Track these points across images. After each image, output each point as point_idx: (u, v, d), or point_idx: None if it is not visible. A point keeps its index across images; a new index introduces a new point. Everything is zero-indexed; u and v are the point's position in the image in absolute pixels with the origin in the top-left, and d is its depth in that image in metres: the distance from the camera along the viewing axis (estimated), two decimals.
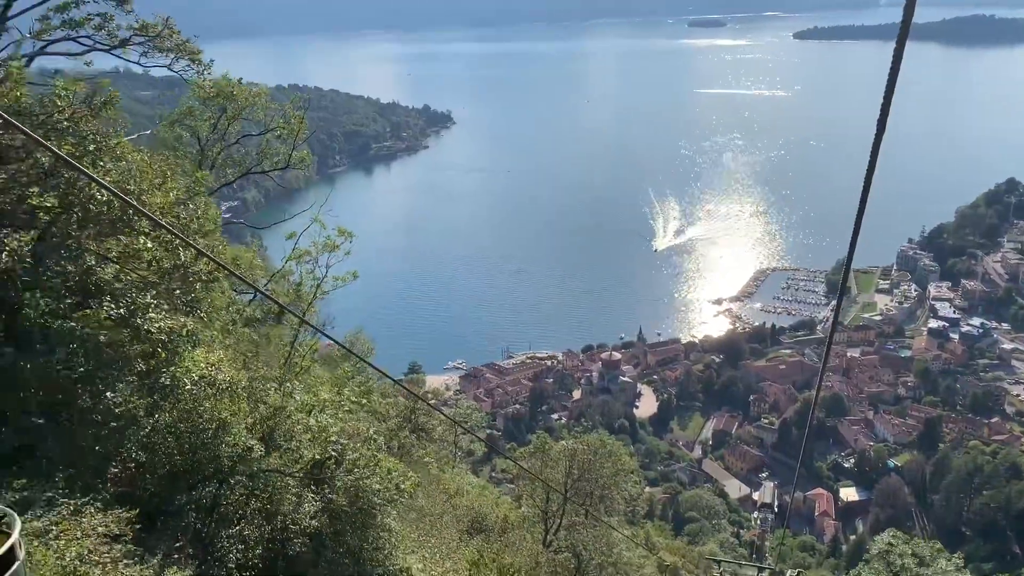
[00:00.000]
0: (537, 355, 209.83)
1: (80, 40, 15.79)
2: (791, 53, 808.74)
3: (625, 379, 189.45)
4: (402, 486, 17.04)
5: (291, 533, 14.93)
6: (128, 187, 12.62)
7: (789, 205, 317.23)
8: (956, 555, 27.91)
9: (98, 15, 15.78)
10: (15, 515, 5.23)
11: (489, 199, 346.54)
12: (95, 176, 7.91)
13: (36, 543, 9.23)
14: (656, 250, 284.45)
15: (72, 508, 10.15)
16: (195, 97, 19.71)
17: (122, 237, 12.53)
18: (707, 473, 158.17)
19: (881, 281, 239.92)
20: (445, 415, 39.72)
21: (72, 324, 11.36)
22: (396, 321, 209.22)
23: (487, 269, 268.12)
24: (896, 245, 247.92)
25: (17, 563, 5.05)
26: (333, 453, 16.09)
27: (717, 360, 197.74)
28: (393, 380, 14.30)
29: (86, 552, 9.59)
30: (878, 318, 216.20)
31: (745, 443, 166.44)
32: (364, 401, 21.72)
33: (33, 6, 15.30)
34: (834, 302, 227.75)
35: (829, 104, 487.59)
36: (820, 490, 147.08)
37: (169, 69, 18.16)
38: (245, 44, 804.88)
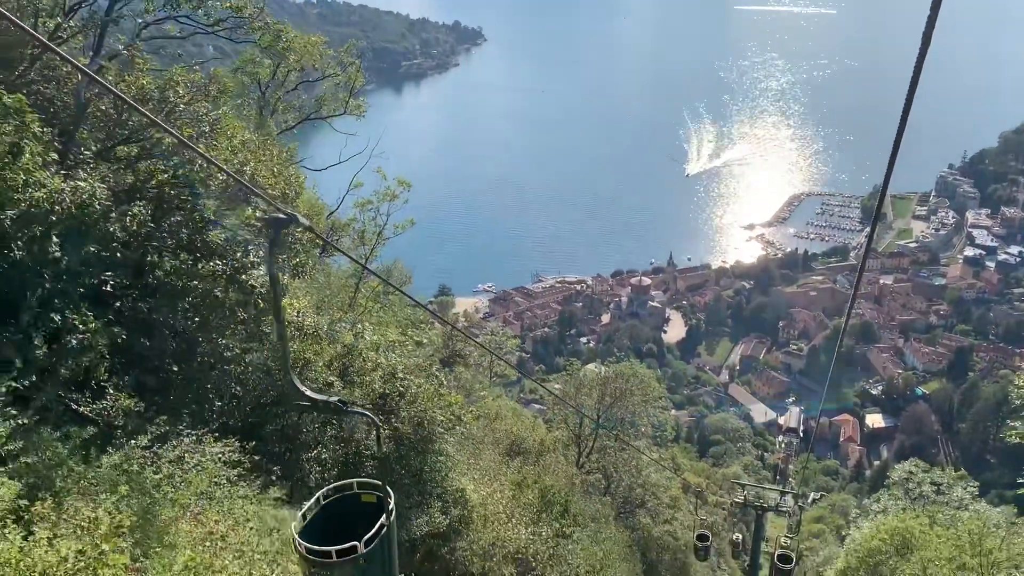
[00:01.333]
0: (566, 279, 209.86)
1: (179, 19, 17.28)
2: None
3: (654, 304, 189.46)
4: (463, 417, 18.85)
5: (363, 457, 16.54)
6: (244, 167, 14.74)
7: (827, 128, 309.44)
8: (972, 484, 27.85)
9: None
10: (390, 491, 7.94)
11: (520, 120, 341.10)
12: (211, 157, 10.59)
13: (176, 469, 10.73)
14: (688, 175, 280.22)
15: (195, 438, 11.63)
16: (256, 46, 20.29)
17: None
18: (733, 397, 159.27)
19: (918, 207, 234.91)
20: (483, 346, 40.21)
21: (194, 281, 13.11)
22: (426, 243, 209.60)
23: (518, 192, 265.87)
24: (936, 170, 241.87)
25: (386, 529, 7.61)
26: (400, 388, 17.50)
27: (747, 286, 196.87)
28: (435, 315, 15.23)
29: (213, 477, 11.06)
30: (913, 245, 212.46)
31: (772, 369, 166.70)
32: (424, 340, 23.50)
33: None
34: (869, 228, 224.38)
35: (874, 22, 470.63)
36: (846, 416, 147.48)
37: (256, 43, 19.58)
38: None
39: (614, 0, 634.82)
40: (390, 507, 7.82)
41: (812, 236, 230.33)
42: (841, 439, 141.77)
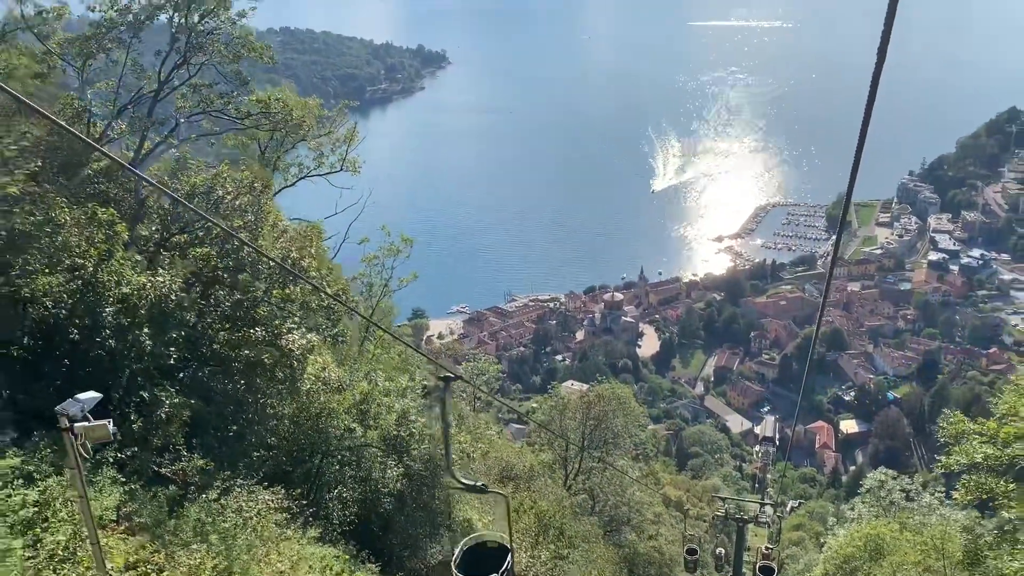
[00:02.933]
0: (539, 297, 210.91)
1: (212, 114, 19.18)
2: None
3: (627, 319, 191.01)
4: (472, 454, 20.82)
5: (380, 494, 17.80)
6: (291, 253, 16.14)
7: (789, 139, 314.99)
8: (939, 489, 29.31)
9: (222, 95, 19.29)
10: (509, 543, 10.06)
11: (486, 141, 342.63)
12: (258, 248, 12.75)
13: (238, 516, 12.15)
14: (654, 191, 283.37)
15: (248, 489, 13.06)
16: (255, 108, 21.34)
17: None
18: (709, 409, 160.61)
19: (881, 214, 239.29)
20: (473, 385, 41.41)
21: (246, 352, 14.60)
22: (398, 265, 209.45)
23: (486, 212, 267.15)
24: (896, 177, 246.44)
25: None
26: (413, 430, 18.97)
27: (718, 297, 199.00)
28: (427, 357, 16.22)
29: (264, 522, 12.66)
30: (878, 252, 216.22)
31: (746, 379, 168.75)
32: (429, 384, 24.15)
33: (176, 87, 18.57)
34: (834, 236, 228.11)
35: (831, 35, 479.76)
36: (821, 423, 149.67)
37: (274, 132, 21.44)
38: None
39: (574, 19, 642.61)
40: (510, 554, 10.15)
41: (779, 246, 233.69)
42: (817, 446, 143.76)
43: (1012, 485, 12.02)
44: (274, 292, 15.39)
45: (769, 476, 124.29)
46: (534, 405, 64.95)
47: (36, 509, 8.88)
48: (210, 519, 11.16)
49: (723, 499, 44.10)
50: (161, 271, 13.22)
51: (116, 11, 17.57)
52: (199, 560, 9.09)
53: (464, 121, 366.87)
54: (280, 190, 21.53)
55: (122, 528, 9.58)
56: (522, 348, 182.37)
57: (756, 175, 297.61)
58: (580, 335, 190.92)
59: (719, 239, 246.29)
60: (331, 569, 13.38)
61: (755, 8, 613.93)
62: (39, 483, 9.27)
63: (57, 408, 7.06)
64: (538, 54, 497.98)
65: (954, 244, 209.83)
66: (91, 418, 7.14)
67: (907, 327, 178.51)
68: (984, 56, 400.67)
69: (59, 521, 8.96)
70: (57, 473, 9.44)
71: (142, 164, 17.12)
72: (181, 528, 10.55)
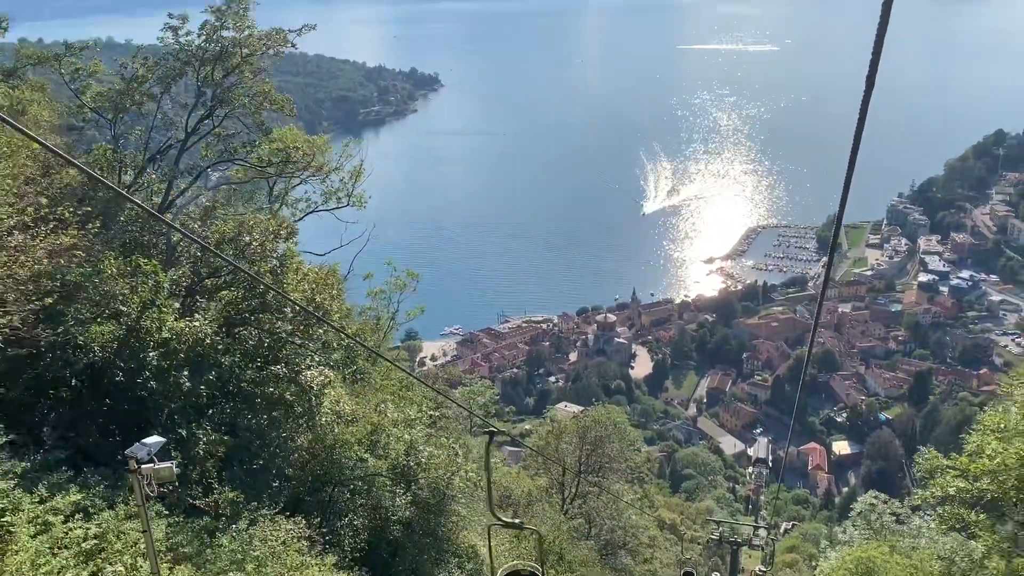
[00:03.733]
0: (532, 319, 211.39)
1: (235, 162, 20.39)
2: (781, 6, 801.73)
3: (620, 340, 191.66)
4: (480, 484, 20.93)
5: (390, 521, 18.54)
6: (315, 297, 17.03)
7: (779, 162, 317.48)
8: (928, 513, 29.88)
9: (244, 144, 20.41)
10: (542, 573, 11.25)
11: (478, 163, 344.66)
12: (283, 292, 13.77)
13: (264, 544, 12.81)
14: (644, 214, 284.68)
15: (270, 518, 13.68)
16: (276, 156, 22.22)
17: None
18: (702, 430, 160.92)
19: (872, 236, 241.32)
20: (471, 411, 41.76)
21: (269, 388, 15.50)
22: (386, 285, 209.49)
23: (479, 234, 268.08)
24: (886, 199, 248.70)
25: None
26: (420, 459, 19.66)
27: (710, 319, 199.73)
28: (426, 384, 16.65)
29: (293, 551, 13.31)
30: (869, 273, 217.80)
31: (739, 400, 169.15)
32: (436, 414, 25.76)
33: (202, 136, 19.66)
34: (825, 258, 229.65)
35: (820, 58, 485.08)
36: (813, 444, 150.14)
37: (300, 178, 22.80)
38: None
39: (566, 43, 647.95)
40: None
41: (770, 268, 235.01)
42: (809, 467, 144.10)
43: (983, 516, 12.87)
44: (298, 334, 16.10)
45: (762, 498, 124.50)
46: (528, 427, 65.43)
47: (95, 541, 9.50)
48: (242, 548, 11.80)
49: (717, 522, 44.70)
50: (196, 316, 13.96)
51: (147, 68, 18.68)
52: None
53: (457, 143, 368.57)
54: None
55: (168, 557, 10.18)
56: (515, 370, 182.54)
57: (747, 197, 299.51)
58: (573, 356, 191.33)
59: (710, 260, 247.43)
60: None
61: (744, 32, 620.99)
62: (95, 516, 9.91)
63: (127, 451, 7.69)
64: (530, 77, 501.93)
65: (944, 265, 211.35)
66: (156, 460, 7.74)
67: (898, 348, 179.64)
68: (971, 79, 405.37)
69: (115, 552, 9.60)
70: (109, 507, 10.11)
71: (169, 209, 17.98)
72: (219, 557, 11.25)
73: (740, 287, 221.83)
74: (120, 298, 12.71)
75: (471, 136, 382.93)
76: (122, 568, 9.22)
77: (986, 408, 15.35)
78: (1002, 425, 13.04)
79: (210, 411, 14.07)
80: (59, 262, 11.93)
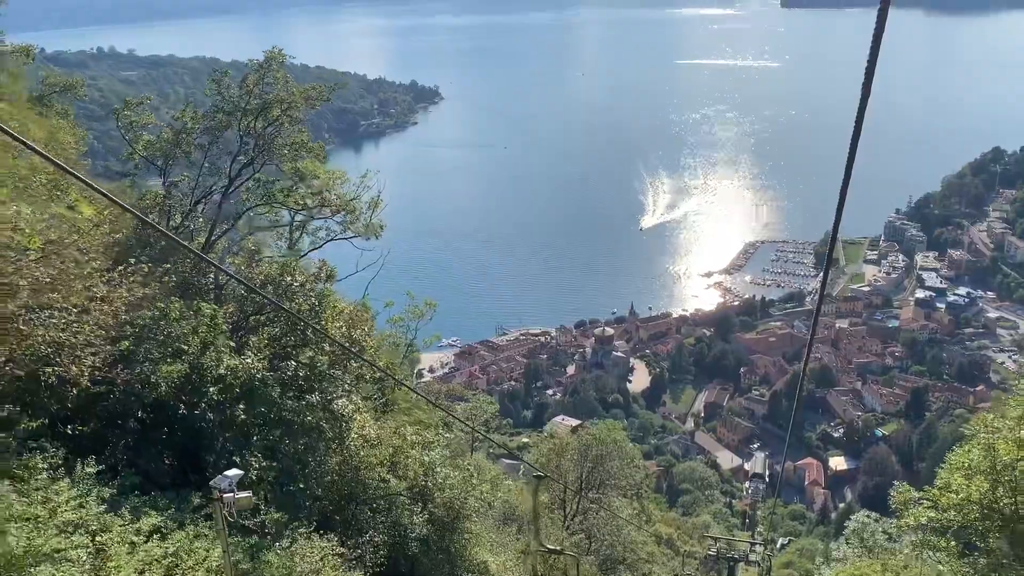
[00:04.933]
0: (530, 331, 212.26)
1: (273, 205, 22.02)
2: (778, 22, 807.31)
3: (618, 354, 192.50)
4: (493, 503, 23.14)
5: (408, 539, 19.43)
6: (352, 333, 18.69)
7: (778, 177, 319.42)
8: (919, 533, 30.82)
9: (282, 190, 21.95)
10: None
11: (478, 176, 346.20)
12: (326, 332, 16.27)
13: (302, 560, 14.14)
14: (642, 228, 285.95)
15: (306, 536, 14.84)
16: (312, 200, 23.73)
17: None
18: (699, 445, 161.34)
19: (869, 252, 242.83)
20: (477, 430, 42.85)
21: (309, 417, 16.71)
22: (389, 298, 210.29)
23: (477, 246, 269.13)
24: (884, 215, 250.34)
25: None
26: (438, 480, 21.05)
27: (708, 333, 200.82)
28: (433, 403, 17.80)
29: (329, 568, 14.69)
30: (866, 289, 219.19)
31: (736, 415, 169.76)
32: (451, 435, 27.29)
33: (243, 182, 21.28)
34: (821, 274, 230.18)
35: (817, 74, 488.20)
36: (810, 459, 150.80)
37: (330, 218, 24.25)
38: (230, 20, 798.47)
39: (565, 57, 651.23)
40: None
41: (768, 283, 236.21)
42: (806, 483, 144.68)
43: (952, 543, 14.09)
44: (335, 367, 17.52)
45: (759, 513, 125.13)
46: (527, 440, 66.20)
47: (172, 558, 10.53)
48: (286, 564, 12.92)
49: (714, 538, 45.57)
50: (248, 353, 15.33)
51: (194, 120, 20.33)
52: None
53: (456, 156, 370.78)
54: (308, 252, 23.20)
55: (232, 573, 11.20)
56: (513, 382, 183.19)
57: (745, 211, 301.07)
58: (571, 369, 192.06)
59: (709, 275, 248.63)
60: None
61: (742, 48, 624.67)
62: (169, 536, 10.97)
63: (211, 483, 8.73)
64: (530, 91, 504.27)
65: (941, 282, 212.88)
66: (236, 490, 8.75)
67: (895, 364, 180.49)
68: (969, 96, 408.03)
69: (188, 568, 10.66)
70: (180, 527, 11.17)
71: (212, 249, 19.55)
72: (270, 573, 12.37)
73: (738, 302, 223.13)
74: (183, 339, 14.11)
75: (470, 148, 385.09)
76: None
77: (954, 448, 16.75)
78: (966, 463, 14.37)
79: (255, 438, 15.21)
80: (135, 308, 13.07)
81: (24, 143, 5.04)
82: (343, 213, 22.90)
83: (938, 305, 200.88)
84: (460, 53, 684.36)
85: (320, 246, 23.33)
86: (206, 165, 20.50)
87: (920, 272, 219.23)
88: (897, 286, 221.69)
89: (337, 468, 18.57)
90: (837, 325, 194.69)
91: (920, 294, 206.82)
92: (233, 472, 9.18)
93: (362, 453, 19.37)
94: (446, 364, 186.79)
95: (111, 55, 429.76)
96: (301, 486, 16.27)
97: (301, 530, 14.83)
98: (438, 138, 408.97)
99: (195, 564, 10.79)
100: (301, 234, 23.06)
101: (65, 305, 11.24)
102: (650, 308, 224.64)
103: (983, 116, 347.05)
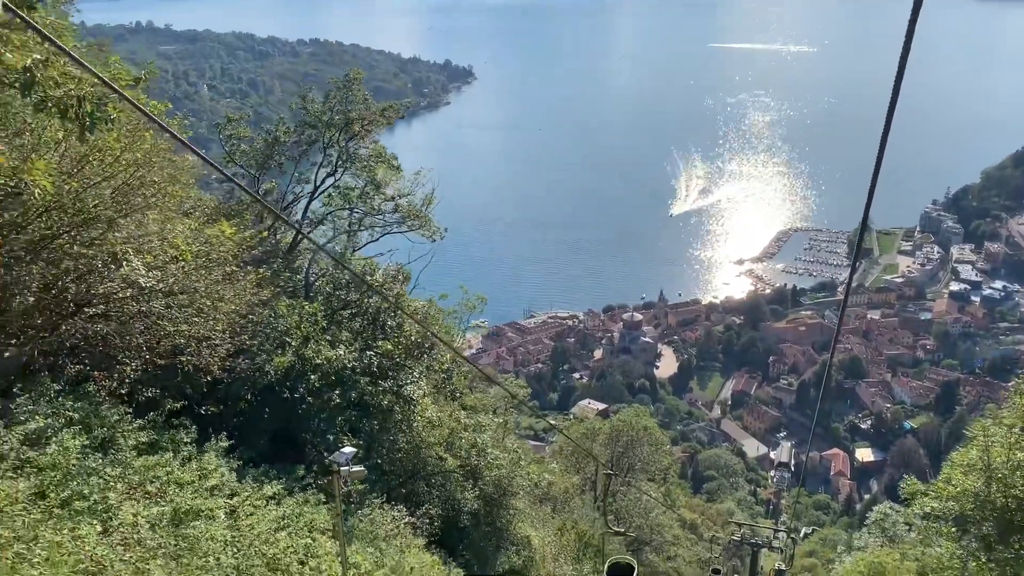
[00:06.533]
0: (558, 315, 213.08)
1: (353, 211, 24.15)
2: (819, 5, 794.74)
3: (646, 339, 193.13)
4: (540, 483, 25.42)
5: (461, 512, 21.25)
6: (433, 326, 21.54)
7: (813, 164, 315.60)
8: (942, 524, 31.75)
9: (360, 196, 24.04)
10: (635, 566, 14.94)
11: (510, 157, 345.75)
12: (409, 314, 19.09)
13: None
14: (672, 215, 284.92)
15: (380, 507, 16.74)
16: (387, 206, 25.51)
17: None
18: (725, 432, 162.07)
19: (904, 242, 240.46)
20: (548, 421, 44.28)
21: (384, 401, 18.90)
22: (418, 278, 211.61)
23: (508, 227, 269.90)
24: (920, 206, 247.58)
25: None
26: (488, 460, 23.02)
27: (738, 321, 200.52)
28: (500, 385, 19.49)
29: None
30: (899, 280, 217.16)
31: (763, 403, 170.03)
32: (504, 419, 29.46)
33: (324, 189, 23.54)
34: (856, 262, 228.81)
35: (858, 60, 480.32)
36: (836, 450, 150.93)
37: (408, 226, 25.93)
38: None
39: (601, 37, 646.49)
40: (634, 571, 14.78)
41: (800, 271, 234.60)
42: (832, 473, 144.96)
43: (954, 529, 15.78)
44: (411, 358, 19.69)
45: (783, 502, 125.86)
46: (553, 423, 67.48)
47: (284, 520, 12.45)
48: (370, 530, 15.11)
49: (739, 524, 46.78)
50: (341, 346, 17.44)
51: (286, 134, 22.75)
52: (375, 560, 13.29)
53: (488, 137, 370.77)
54: (365, 244, 24.88)
55: (328, 534, 12.91)
56: (540, 365, 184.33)
57: (779, 198, 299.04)
58: (598, 354, 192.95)
59: (740, 262, 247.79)
60: (438, 567, 17.13)
61: (779, 32, 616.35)
62: (282, 502, 12.93)
63: (330, 458, 10.33)
64: (564, 73, 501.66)
65: (976, 275, 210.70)
66: (351, 464, 10.34)
67: (926, 357, 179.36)
68: (1012, 84, 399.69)
69: (298, 528, 12.55)
70: (288, 495, 13.10)
71: (294, 251, 22.26)
72: (357, 536, 14.37)
73: (769, 290, 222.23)
74: (288, 332, 16.30)
75: (502, 130, 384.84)
76: (306, 541, 12.26)
77: (956, 448, 18.87)
78: (965, 462, 16.15)
79: (339, 419, 17.02)
80: (255, 307, 15.00)
81: (179, 139, 6.01)
82: (413, 219, 24.64)
83: (972, 298, 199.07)
84: (494, 33, 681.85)
85: (377, 239, 24.87)
86: (295, 174, 22.79)
87: (955, 264, 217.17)
88: (931, 278, 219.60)
89: (404, 446, 20.28)
90: (868, 316, 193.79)
91: (954, 287, 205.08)
92: (349, 449, 10.90)
93: (423, 433, 21.15)
94: (474, 345, 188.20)
95: (148, 29, 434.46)
96: (379, 461, 18.08)
97: (377, 500, 16.66)
98: (470, 119, 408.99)
99: (304, 525, 12.64)
100: (359, 227, 24.61)
101: (200, 306, 12.95)
102: (679, 294, 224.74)
103: None
